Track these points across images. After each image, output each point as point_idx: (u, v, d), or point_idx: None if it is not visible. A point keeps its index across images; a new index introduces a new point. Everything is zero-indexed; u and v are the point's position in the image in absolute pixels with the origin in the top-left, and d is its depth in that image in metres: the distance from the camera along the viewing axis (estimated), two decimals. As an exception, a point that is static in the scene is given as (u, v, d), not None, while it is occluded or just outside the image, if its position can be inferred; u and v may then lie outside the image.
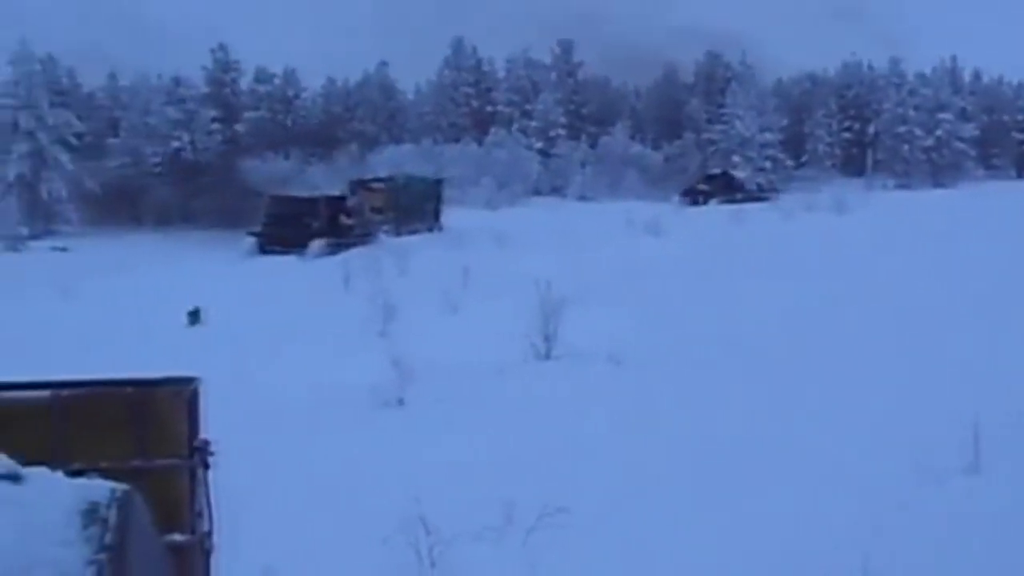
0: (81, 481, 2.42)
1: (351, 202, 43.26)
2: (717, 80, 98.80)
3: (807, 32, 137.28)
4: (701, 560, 7.59)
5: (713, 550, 7.75)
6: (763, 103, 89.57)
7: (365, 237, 40.33)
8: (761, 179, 77.77)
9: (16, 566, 2.09)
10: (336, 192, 45.82)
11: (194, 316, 21.84)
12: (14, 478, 2.31)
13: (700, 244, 34.15)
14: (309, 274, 31.17)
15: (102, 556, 2.15)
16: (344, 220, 40.97)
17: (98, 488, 2.33)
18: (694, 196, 69.57)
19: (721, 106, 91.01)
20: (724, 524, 8.24)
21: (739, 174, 75.46)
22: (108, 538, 2.19)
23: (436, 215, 50.37)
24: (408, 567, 7.39)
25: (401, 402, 13.08)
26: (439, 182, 54.40)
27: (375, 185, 48.33)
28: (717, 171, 76.26)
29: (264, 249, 37.89)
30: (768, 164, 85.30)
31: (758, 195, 69.27)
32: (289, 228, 38.23)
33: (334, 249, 36.92)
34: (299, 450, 10.84)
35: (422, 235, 43.94)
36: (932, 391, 12.46)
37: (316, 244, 37.47)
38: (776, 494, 8.95)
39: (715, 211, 54.07)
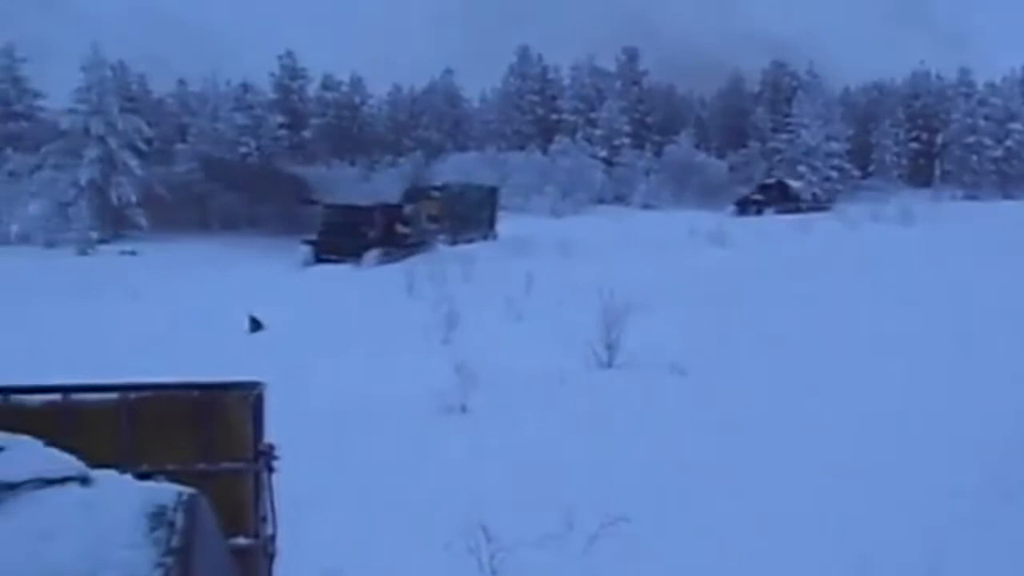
0: (149, 484, 2.45)
1: (407, 210, 42.83)
2: (783, 89, 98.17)
3: (874, 40, 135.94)
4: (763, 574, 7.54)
5: (776, 564, 7.69)
6: (829, 112, 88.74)
7: (421, 246, 40.28)
8: (817, 189, 76.52)
9: (84, 568, 2.11)
10: (392, 201, 45.42)
11: (255, 323, 21.74)
12: (83, 480, 2.34)
13: (764, 254, 33.91)
14: (368, 281, 31.24)
15: (169, 559, 2.17)
16: (400, 229, 40.76)
17: (165, 491, 2.35)
18: (747, 206, 68.39)
19: (787, 115, 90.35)
20: (789, 538, 8.16)
21: (795, 184, 74.10)
22: (175, 541, 2.21)
23: (491, 223, 50.30)
24: (469, 573, 7.40)
25: (464, 409, 13.10)
26: (494, 190, 54.05)
27: (431, 193, 47.93)
28: (771, 180, 74.80)
29: (319, 258, 37.56)
30: (834, 174, 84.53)
31: (814, 205, 68.24)
32: (345, 237, 37.97)
33: (390, 258, 36.96)
34: (361, 455, 10.88)
35: (478, 243, 43.75)
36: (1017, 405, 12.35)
37: (372, 253, 37.33)
38: (843, 508, 8.86)
39: (776, 221, 53.60)
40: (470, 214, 48.34)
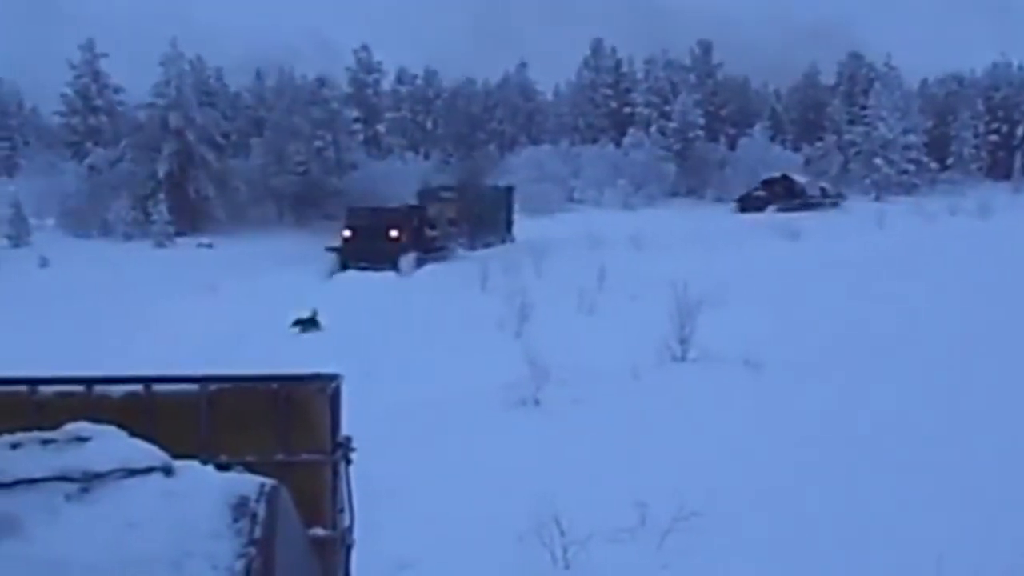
0: (230, 475, 2.48)
1: (432, 212, 40.52)
2: (859, 81, 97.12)
3: (953, 31, 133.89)
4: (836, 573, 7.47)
5: (848, 564, 7.62)
6: (907, 104, 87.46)
7: (444, 251, 38.81)
8: (825, 183, 72.98)
9: (168, 557, 2.15)
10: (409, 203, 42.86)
11: (311, 322, 21.51)
12: (167, 470, 2.38)
13: (836, 247, 33.54)
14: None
15: (251, 549, 2.20)
16: (428, 232, 38.68)
17: (247, 482, 2.39)
18: (750, 202, 66.03)
19: (863, 107, 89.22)
20: (862, 538, 8.09)
21: (800, 179, 70.98)
22: (257, 532, 2.24)
23: (508, 226, 47.75)
24: (542, 566, 7.42)
25: (537, 402, 13.12)
26: (510, 190, 51.03)
27: (444, 195, 44.88)
28: (776, 175, 71.47)
29: (346, 265, 35.04)
30: (911, 167, 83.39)
31: (822, 201, 65.43)
32: (374, 242, 35.47)
33: (423, 263, 35.53)
34: (436, 447, 10.95)
35: (495, 248, 40.97)
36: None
37: (407, 258, 35.04)
38: (915, 506, 8.75)
39: (859, 211, 52.67)
40: (487, 216, 45.44)
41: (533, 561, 7.46)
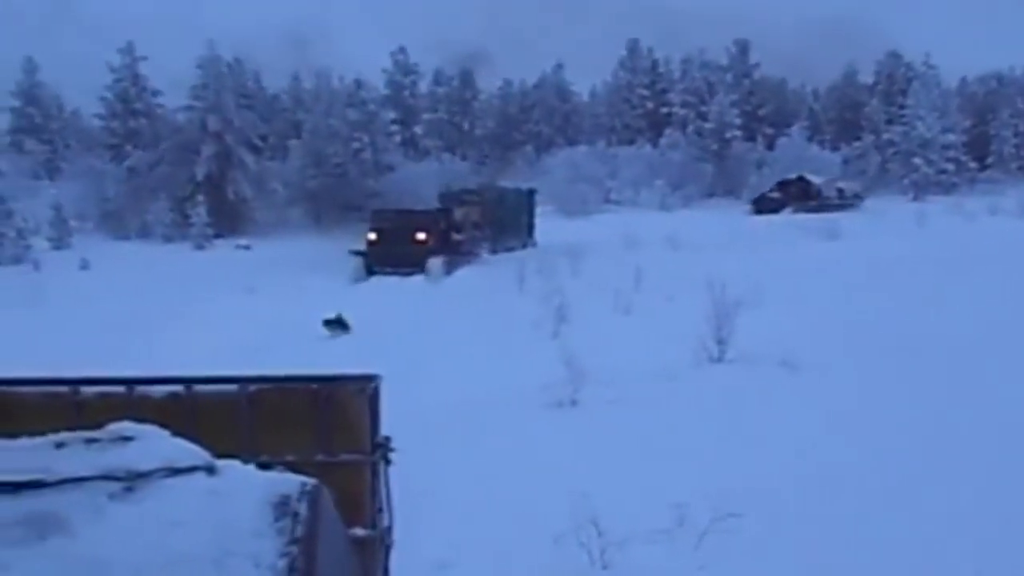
0: (272, 474, 2.50)
1: (458, 215, 38.95)
2: (898, 80, 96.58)
3: (993, 29, 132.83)
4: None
5: (886, 568, 7.58)
6: (946, 103, 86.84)
7: (470, 255, 37.61)
8: (843, 184, 71.59)
9: (211, 556, 2.18)
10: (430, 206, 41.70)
11: (339, 323, 21.29)
12: (210, 469, 2.41)
13: (875, 247, 33.34)
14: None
15: (293, 548, 2.23)
16: (455, 236, 37.24)
17: (288, 481, 2.41)
18: (764, 204, 64.94)
19: (902, 107, 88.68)
20: (901, 541, 8.04)
21: (816, 179, 69.63)
22: (299, 531, 2.26)
23: (530, 230, 46.27)
24: (580, 567, 7.43)
25: (574, 403, 13.12)
26: (531, 193, 49.25)
27: (467, 197, 42.86)
28: (792, 176, 70.37)
29: (371, 270, 34.14)
30: (950, 166, 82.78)
31: (839, 203, 63.96)
32: (401, 245, 34.29)
33: (451, 268, 34.31)
34: (473, 448, 10.97)
35: (517, 252, 39.66)
36: None
37: (435, 262, 33.69)
38: (954, 512, 8.69)
39: (896, 211, 52.28)
40: (509, 220, 44.00)
41: (570, 562, 7.47)
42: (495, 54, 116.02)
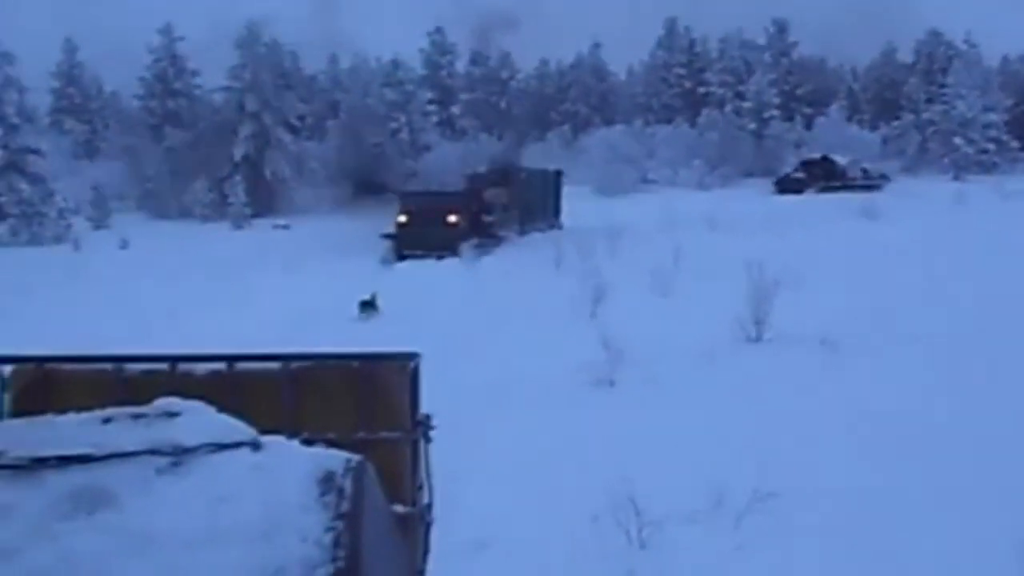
0: (317, 450, 2.52)
1: (488, 197, 37.72)
2: (938, 59, 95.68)
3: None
4: (913, 561, 7.40)
5: (926, 548, 7.55)
6: (987, 82, 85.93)
7: (499, 237, 36.72)
8: (868, 164, 70.07)
9: (258, 530, 2.20)
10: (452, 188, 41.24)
11: (369, 305, 20.91)
12: (255, 445, 2.44)
13: (915, 226, 33.10)
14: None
15: (339, 523, 2.25)
16: (486, 218, 36.48)
17: (333, 457, 2.43)
18: (788, 184, 64.37)
19: (942, 86, 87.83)
20: (940, 522, 8.00)
21: (841, 160, 68.28)
22: (344, 506, 2.28)
23: (556, 212, 45.07)
24: (617, 546, 7.45)
25: (612, 383, 13.13)
26: (559, 174, 47.83)
27: (494, 178, 41.29)
28: (815, 156, 69.56)
29: (402, 253, 33.06)
30: (991, 146, 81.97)
31: (864, 183, 62.88)
32: (432, 227, 33.39)
33: (484, 251, 33.53)
34: (511, 427, 11.00)
35: (544, 234, 38.57)
36: None
37: (467, 245, 33.22)
38: (997, 493, 8.63)
39: (936, 191, 51.75)
40: (536, 201, 42.86)
41: (608, 541, 7.49)
42: (531, 33, 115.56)
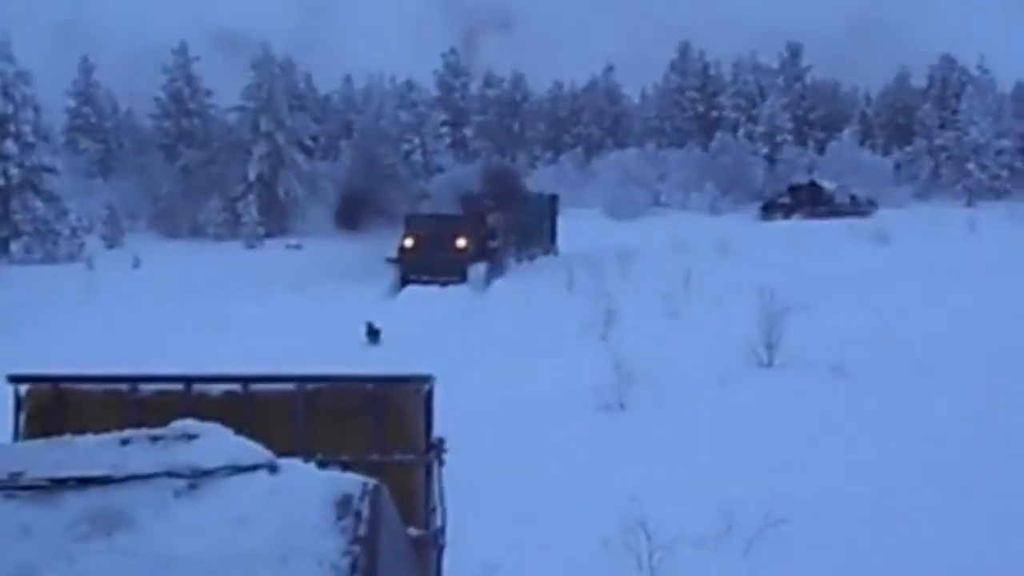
0: (333, 473, 2.54)
1: (491, 221, 35.82)
2: (951, 84, 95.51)
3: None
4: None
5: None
6: (1000, 108, 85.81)
7: (503, 262, 35.34)
8: (857, 191, 68.22)
9: (275, 553, 2.22)
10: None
11: (373, 331, 20.45)
12: (272, 468, 2.45)
13: (927, 252, 32.97)
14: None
15: (356, 548, 2.26)
16: (491, 243, 34.67)
17: (350, 481, 2.44)
18: (774, 210, 63.09)
19: (955, 111, 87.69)
20: (950, 552, 7.99)
21: (828, 185, 67.07)
22: (361, 530, 2.30)
23: (552, 236, 43.15)
24: (628, 571, 7.43)
25: (622, 406, 13.12)
26: (554, 198, 45.86)
27: (488, 202, 39.44)
28: (802, 182, 68.31)
29: (407, 279, 31.46)
30: (1004, 172, 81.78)
31: (852, 210, 61.01)
32: (439, 252, 31.73)
33: (493, 276, 32.35)
34: (522, 450, 10.99)
35: (540, 260, 38.45)
36: None
37: (476, 270, 31.77)
38: (1006, 524, 8.61)
39: (943, 216, 51.48)
40: (533, 226, 41.18)
41: (619, 565, 7.48)
42: (546, 56, 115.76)
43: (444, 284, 30.67)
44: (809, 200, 63.60)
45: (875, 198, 67.39)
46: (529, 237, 40.24)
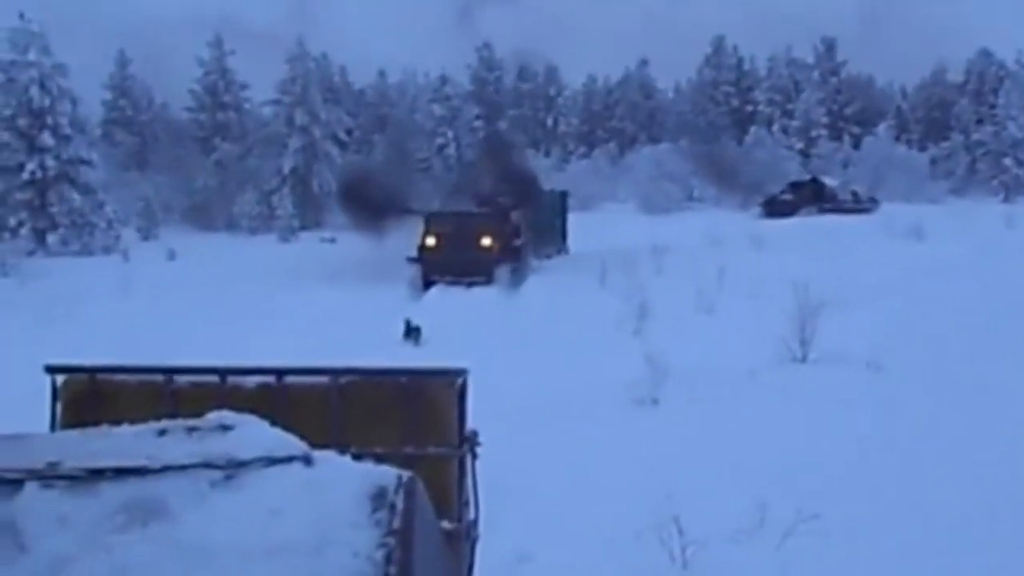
0: (368, 465, 2.54)
1: (515, 218, 34.04)
2: (988, 79, 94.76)
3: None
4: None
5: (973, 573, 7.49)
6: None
7: (526, 262, 33.32)
8: (859, 187, 67.85)
9: (310, 545, 2.23)
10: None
11: (412, 329, 20.23)
12: (307, 460, 2.46)
13: (965, 247, 32.72)
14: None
15: (391, 540, 2.26)
16: (515, 241, 32.98)
17: (385, 473, 2.45)
18: (775, 207, 61.45)
19: (992, 106, 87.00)
20: (987, 546, 7.93)
21: (831, 182, 66.36)
22: (396, 523, 2.30)
23: (563, 235, 41.75)
24: (660, 565, 7.42)
25: (655, 401, 13.10)
26: (564, 195, 44.27)
27: (503, 200, 36.81)
28: (804, 178, 67.16)
29: (430, 280, 30.14)
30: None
31: (854, 207, 60.52)
32: (464, 251, 30.34)
33: (517, 277, 30.68)
34: (554, 444, 10.99)
35: (554, 260, 36.92)
36: None
37: (504, 271, 30.27)
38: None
39: (978, 213, 51.03)
40: (546, 224, 39.34)
41: (651, 559, 7.47)
42: (580, 50, 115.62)
43: (469, 285, 29.58)
44: (812, 197, 62.56)
45: (876, 195, 67.05)
46: (543, 236, 38.05)
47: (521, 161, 49.93)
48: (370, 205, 39.64)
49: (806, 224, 48.67)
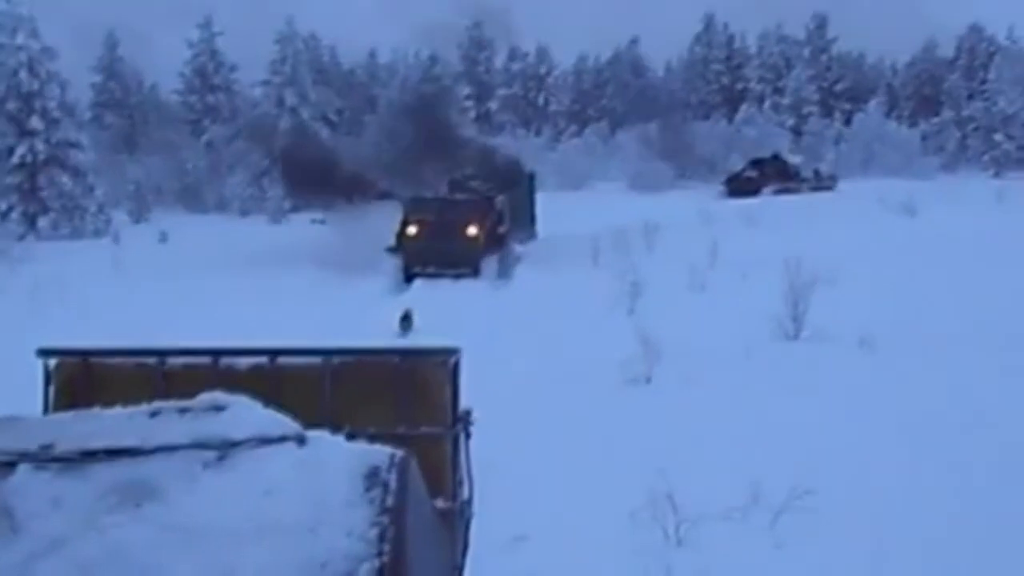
0: (361, 445, 2.54)
1: (499, 205, 31.49)
2: (979, 55, 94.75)
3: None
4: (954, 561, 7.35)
5: (967, 549, 7.51)
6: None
7: (512, 251, 30.86)
8: (822, 165, 67.84)
9: (304, 525, 2.23)
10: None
11: (407, 320, 19.20)
12: (300, 440, 2.46)
13: (957, 224, 32.71)
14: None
15: (384, 518, 2.27)
16: (500, 229, 30.52)
17: (377, 452, 2.45)
18: (738, 185, 59.93)
19: (983, 82, 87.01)
20: (980, 524, 7.96)
21: (794, 159, 65.90)
22: (389, 501, 2.30)
23: (532, 219, 38.24)
24: (654, 542, 7.45)
25: (648, 380, 13.11)
26: (531, 177, 40.75)
27: (475, 184, 34.88)
28: (766, 155, 65.20)
29: (411, 272, 27.85)
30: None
31: (816, 184, 60.50)
32: (447, 241, 28.15)
33: (504, 268, 28.76)
34: (548, 423, 11.00)
35: (524, 246, 33.18)
36: None
37: (490, 262, 28.39)
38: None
39: (969, 189, 51.06)
40: (517, 208, 35.03)
41: (645, 537, 7.49)
42: (569, 29, 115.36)
43: (456, 278, 27.46)
44: (775, 174, 61.57)
45: (835, 173, 66.54)
46: (516, 220, 34.23)
47: (448, 120, 47.22)
48: (317, 181, 38.19)
49: (796, 200, 48.64)
